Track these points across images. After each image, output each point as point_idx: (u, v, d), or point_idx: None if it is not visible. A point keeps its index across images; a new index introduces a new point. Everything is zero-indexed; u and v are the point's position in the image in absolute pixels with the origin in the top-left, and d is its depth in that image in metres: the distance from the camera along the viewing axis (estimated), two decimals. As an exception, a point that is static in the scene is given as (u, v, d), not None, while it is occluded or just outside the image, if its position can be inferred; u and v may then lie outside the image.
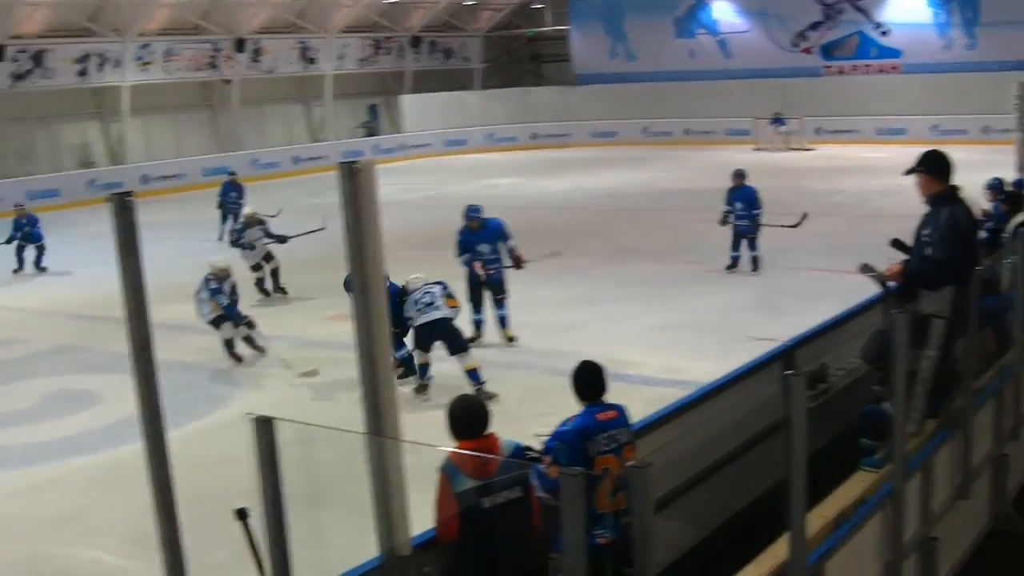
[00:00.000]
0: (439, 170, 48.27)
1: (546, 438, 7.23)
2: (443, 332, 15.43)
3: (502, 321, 17.52)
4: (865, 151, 45.17)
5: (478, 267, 17.64)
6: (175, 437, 5.21)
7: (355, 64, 55.06)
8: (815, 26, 51.61)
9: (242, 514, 5.41)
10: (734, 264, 21.56)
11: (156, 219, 29.48)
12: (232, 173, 32.66)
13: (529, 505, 6.57)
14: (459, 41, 60.10)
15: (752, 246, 21.38)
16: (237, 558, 5.68)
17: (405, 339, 15.77)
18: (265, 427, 5.15)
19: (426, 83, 57.77)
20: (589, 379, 7.36)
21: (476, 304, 17.84)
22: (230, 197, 30.49)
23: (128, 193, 4.89)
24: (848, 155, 44.52)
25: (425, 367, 15.53)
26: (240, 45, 48.73)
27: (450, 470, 6.47)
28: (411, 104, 56.60)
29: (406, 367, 15.58)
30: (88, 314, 21.33)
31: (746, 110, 49.92)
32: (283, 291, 22.90)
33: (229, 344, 17.86)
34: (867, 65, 50.87)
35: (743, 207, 21.54)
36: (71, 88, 44.10)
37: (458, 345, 15.47)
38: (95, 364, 17.91)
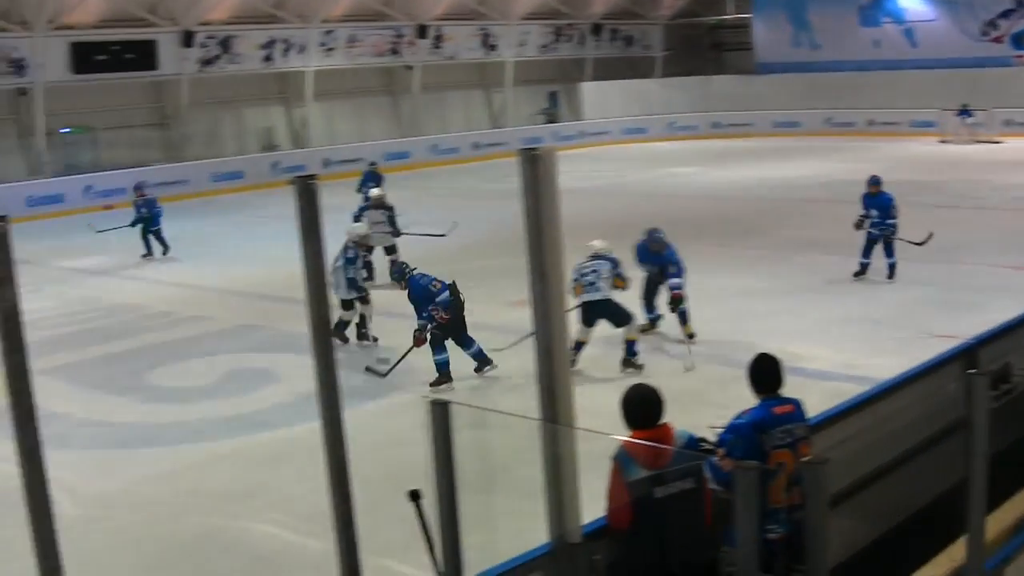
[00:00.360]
0: (618, 158, 48.22)
1: (720, 430, 7.18)
2: (603, 312, 15.79)
3: (683, 317, 17.17)
4: (1057, 145, 43.98)
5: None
6: (351, 417, 5.26)
7: (536, 51, 55.25)
8: (1006, 14, 50.30)
9: (415, 496, 5.46)
10: (863, 271, 20.61)
11: (337, 202, 29.88)
12: (373, 163, 32.93)
13: (701, 497, 6.51)
14: (640, 29, 59.91)
15: (888, 252, 20.46)
16: (408, 539, 5.74)
17: (446, 341, 15.86)
18: (441, 410, 5.19)
19: (606, 71, 57.73)
20: (766, 372, 7.29)
21: (649, 305, 17.78)
22: (368, 186, 30.74)
23: (311, 176, 4.95)
24: (1039, 149, 43.37)
25: (581, 344, 15.67)
26: (422, 31, 49.21)
27: (623, 459, 6.44)
28: (591, 91, 56.61)
29: (441, 374, 15.60)
30: (267, 294, 21.75)
31: (932, 101, 48.84)
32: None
33: (343, 325, 17.71)
34: (1061, 55, 49.50)
35: (878, 214, 20.46)
36: (256, 73, 45.08)
37: (620, 319, 15.86)
38: (274, 343, 18.25)
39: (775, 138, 52.79)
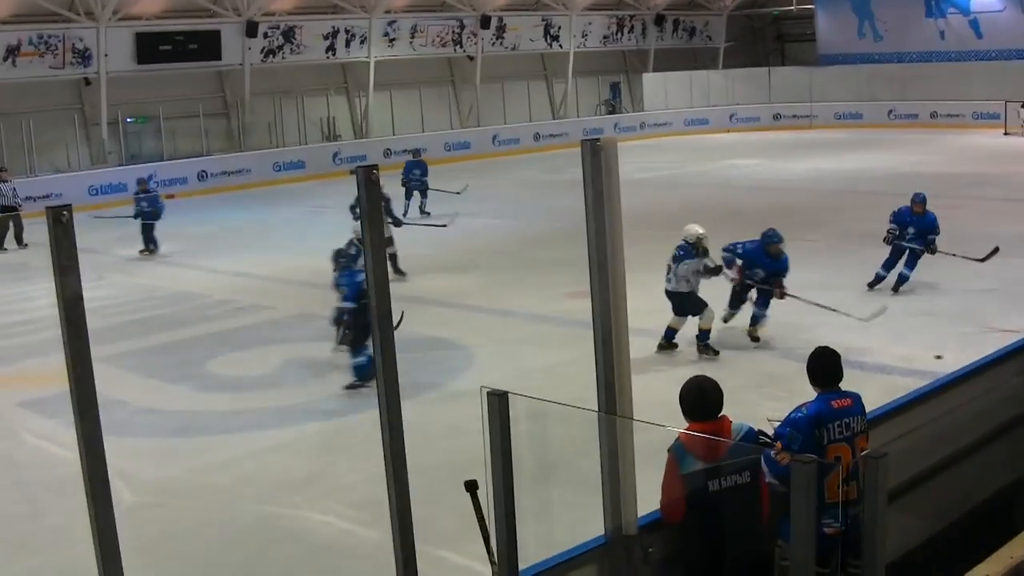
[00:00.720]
0: (680, 149, 48.10)
1: (778, 423, 7.16)
2: (677, 303, 16.15)
3: (755, 319, 16.91)
4: (1123, 138, 43.49)
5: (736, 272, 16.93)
6: (409, 407, 5.29)
7: (598, 42, 55.20)
8: (1075, 6, 49.79)
9: (472, 486, 5.49)
10: (878, 281, 19.53)
11: (398, 192, 29.99)
12: (416, 151, 32.95)
13: (757, 491, 6.50)
14: (703, 20, 59.71)
15: (911, 265, 19.42)
16: (464, 529, 5.77)
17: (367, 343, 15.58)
18: (499, 401, 5.20)
19: (668, 62, 57.57)
20: (825, 365, 7.26)
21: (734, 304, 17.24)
22: (413, 175, 30.81)
23: (373, 166, 4.98)
24: (1104, 143, 42.90)
25: (672, 331, 16.22)
26: (485, 22, 49.24)
27: (679, 451, 6.45)
28: (653, 83, 56.45)
29: (360, 376, 15.35)
30: (327, 283, 21.80)
31: (996, 93, 48.34)
32: (401, 273, 22.15)
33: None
34: None
35: (915, 232, 19.26)
36: (319, 63, 45.28)
37: (694, 309, 16.11)
38: (332, 332, 18.33)
39: (837, 130, 52.45)
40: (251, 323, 19.66)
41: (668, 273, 16.10)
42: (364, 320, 15.48)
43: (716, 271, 16.30)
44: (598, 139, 5.54)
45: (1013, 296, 18.31)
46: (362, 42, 45.66)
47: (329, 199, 33.49)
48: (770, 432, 7.13)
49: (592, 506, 5.92)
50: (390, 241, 22.18)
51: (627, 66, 58.11)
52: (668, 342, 16.28)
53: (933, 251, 19.18)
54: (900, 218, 19.45)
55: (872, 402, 7.94)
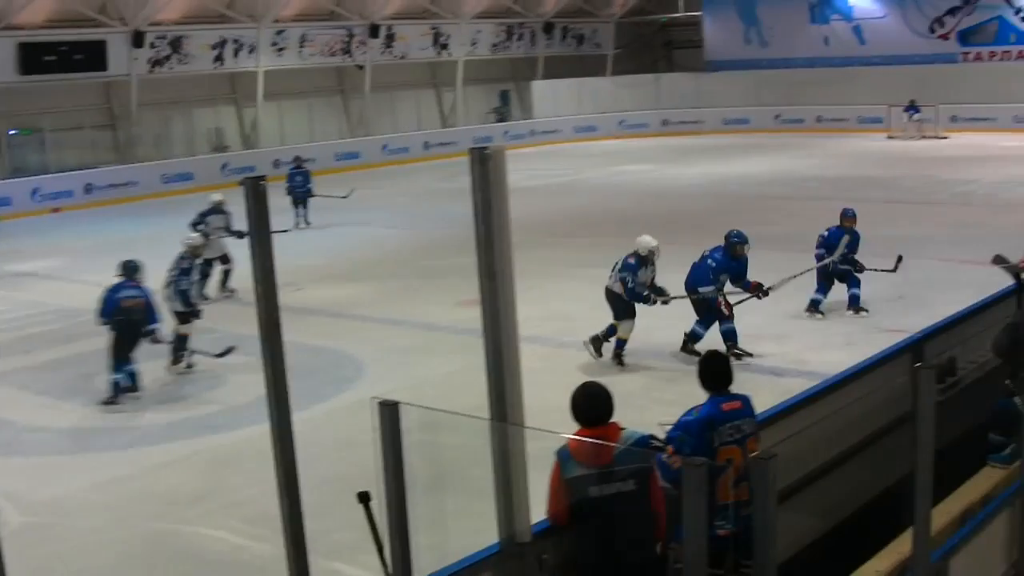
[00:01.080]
0: (569, 156, 48.28)
1: (669, 427, 7.22)
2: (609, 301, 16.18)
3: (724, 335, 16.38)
4: (1002, 140, 44.37)
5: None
6: (300, 419, 5.26)
7: (487, 50, 55.25)
8: (952, 11, 50.73)
9: (364, 498, 5.47)
10: (815, 306, 18.61)
11: (287, 203, 29.82)
12: (297, 158, 32.73)
13: (642, 499, 6.47)
14: (591, 27, 60.01)
15: (854, 283, 18.68)
16: (358, 540, 5.75)
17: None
18: (391, 411, 5.19)
19: (558, 69, 57.77)
20: (715, 369, 7.34)
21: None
22: (296, 182, 30.64)
23: (261, 177, 4.96)
24: (984, 144, 43.70)
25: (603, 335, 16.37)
26: (374, 31, 49.10)
27: (563, 455, 6.44)
28: (542, 90, 56.62)
29: (116, 390, 15.57)
30: (216, 296, 21.64)
31: (880, 97, 49.22)
32: (231, 291, 21.92)
33: (183, 343, 17.11)
34: (1006, 51, 49.89)
35: (848, 250, 18.64)
36: (207, 74, 44.84)
37: (621, 314, 16.16)
38: (223, 345, 18.18)
39: (725, 135, 53.04)
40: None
41: (612, 271, 16.22)
42: (124, 336, 15.44)
43: (665, 302, 16.26)
44: (486, 147, 5.55)
45: (899, 297, 18.59)
46: (250, 52, 45.31)
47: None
48: (662, 436, 7.18)
49: (486, 514, 5.92)
50: (226, 258, 22.04)
51: (516, 74, 58.22)
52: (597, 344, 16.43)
53: (860, 269, 18.63)
54: (829, 241, 18.75)
55: (762, 404, 8.03)
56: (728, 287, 16.50)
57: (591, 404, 6.55)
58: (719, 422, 7.06)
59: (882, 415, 8.98)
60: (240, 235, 21.61)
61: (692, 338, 16.35)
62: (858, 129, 50.26)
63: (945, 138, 46.37)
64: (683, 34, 60.89)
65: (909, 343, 10.48)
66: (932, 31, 51.45)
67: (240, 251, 21.84)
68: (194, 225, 22.13)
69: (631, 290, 15.90)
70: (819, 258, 18.66)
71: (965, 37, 50.83)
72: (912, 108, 47.07)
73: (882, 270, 18.48)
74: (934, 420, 5.72)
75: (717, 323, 16.28)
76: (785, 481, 7.25)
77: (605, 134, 55.10)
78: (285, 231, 22.43)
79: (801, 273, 17.18)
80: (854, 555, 6.54)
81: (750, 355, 15.96)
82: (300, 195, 30.46)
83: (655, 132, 55.15)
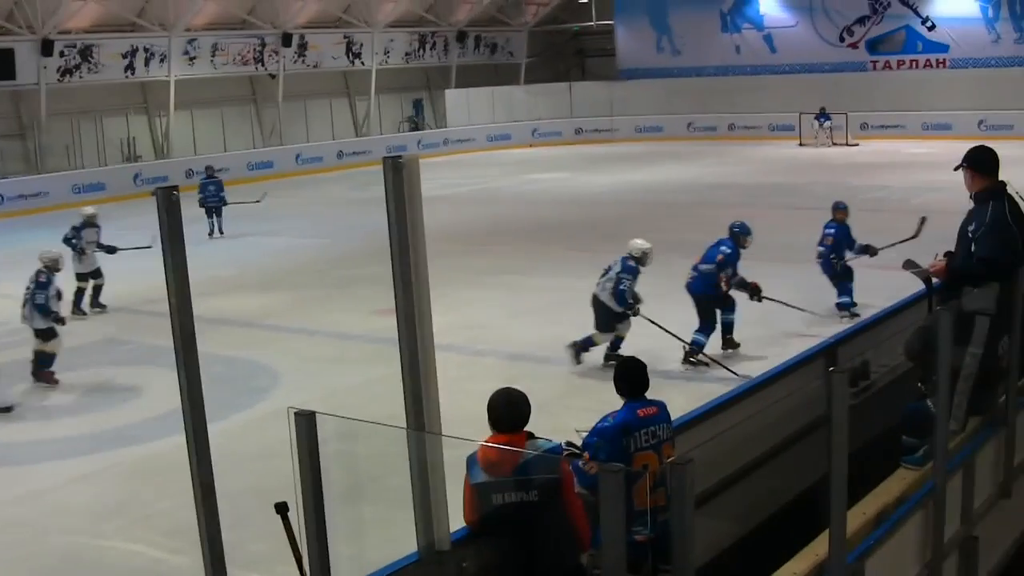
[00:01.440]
0: (483, 165, 48.32)
1: (585, 434, 7.23)
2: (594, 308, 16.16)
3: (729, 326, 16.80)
4: (911, 147, 44.94)
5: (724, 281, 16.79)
6: (216, 430, 5.23)
7: (400, 59, 55.19)
8: (862, 21, 51.41)
9: (282, 508, 5.44)
10: (848, 309, 18.35)
11: (200, 213, 29.61)
12: (209, 167, 32.61)
13: (549, 511, 6.43)
14: (504, 36, 60.13)
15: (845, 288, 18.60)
16: (277, 552, 5.71)
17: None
18: (307, 421, 5.16)
19: (471, 78, 57.80)
20: (631, 375, 7.35)
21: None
22: (209, 192, 30.50)
23: (173, 187, 4.93)
24: (893, 151, 44.31)
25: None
26: (286, 40, 48.86)
27: (470, 461, 6.42)
28: (456, 99, 56.63)
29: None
30: (131, 307, 21.45)
31: (791, 105, 49.79)
32: (102, 307, 21.93)
33: (48, 360, 16.82)
34: (914, 60, 50.63)
35: (844, 244, 18.74)
36: (118, 83, 44.38)
37: (603, 326, 16.19)
38: (137, 357, 18.04)
39: (638, 143, 53.31)
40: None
41: (602, 278, 16.22)
42: None
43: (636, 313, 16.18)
44: (400, 156, 5.55)
45: (812, 302, 18.73)
46: (162, 61, 44.92)
47: (130, 221, 32.89)
48: (579, 443, 7.19)
49: (405, 523, 5.91)
50: (97, 272, 21.81)
51: (430, 83, 58.22)
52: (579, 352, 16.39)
53: (874, 252, 18.83)
54: (839, 238, 18.79)
55: (678, 409, 8.07)
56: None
57: (502, 410, 6.52)
58: (635, 428, 7.07)
59: (797, 419, 9.06)
60: (110, 250, 21.43)
61: (696, 348, 16.33)
62: (770, 137, 50.78)
63: (856, 145, 46.96)
64: (596, 43, 61.15)
65: (823, 348, 10.58)
66: (842, 40, 52.10)
67: (109, 266, 21.68)
68: (68, 240, 21.81)
69: (622, 292, 15.92)
70: (823, 256, 18.66)
71: (874, 46, 51.51)
72: (823, 116, 47.66)
73: (904, 240, 17.99)
74: (848, 423, 5.78)
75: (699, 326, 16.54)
76: (703, 485, 7.29)
77: (519, 142, 55.23)
78: (148, 247, 21.98)
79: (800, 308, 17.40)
80: (772, 558, 6.57)
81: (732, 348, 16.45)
82: (213, 204, 30.35)
83: (569, 140, 55.34)
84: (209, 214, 30.20)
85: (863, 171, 38.49)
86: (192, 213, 30.13)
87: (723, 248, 16.62)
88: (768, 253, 20.90)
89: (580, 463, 6.80)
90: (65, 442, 14.42)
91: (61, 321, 16.83)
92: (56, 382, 16.59)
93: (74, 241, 21.65)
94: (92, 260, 21.70)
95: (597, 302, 16.08)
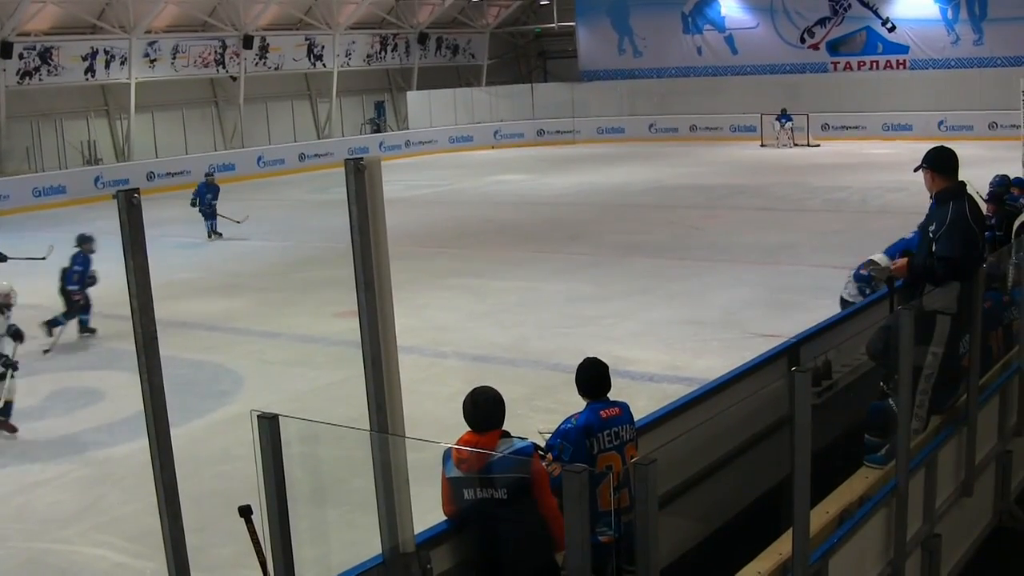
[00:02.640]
0: (445, 167, 48.29)
1: (549, 435, 7.23)
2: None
3: None
4: (871, 147, 45.21)
5: None
6: (179, 434, 5.20)
7: (361, 61, 55.10)
8: (822, 22, 51.62)
9: (246, 511, 5.42)
10: None
11: (161, 216, 29.52)
12: (209, 173, 32.49)
13: (519, 508, 6.48)
14: (465, 38, 60.11)
15: None
16: (241, 555, 5.70)
17: None
18: (270, 424, 5.15)
19: (433, 80, 57.79)
20: (593, 376, 7.36)
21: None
22: (206, 199, 30.47)
23: (134, 190, 4.90)
24: (854, 151, 44.53)
25: None
26: (247, 42, 48.70)
27: (445, 455, 6.57)
28: (417, 101, 56.58)
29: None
30: (92, 311, 21.32)
31: (752, 106, 50.07)
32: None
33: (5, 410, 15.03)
34: (874, 61, 50.87)
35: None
36: (78, 85, 44.13)
37: None
38: (99, 361, 17.94)
39: (600, 144, 53.42)
40: (15, 354, 19.02)
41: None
42: None
43: None
44: (361, 158, 5.53)
45: (774, 302, 18.83)
46: (122, 63, 44.68)
47: (91, 224, 32.73)
48: (543, 444, 7.20)
49: (369, 526, 5.89)
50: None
51: (391, 84, 58.15)
52: None
53: None
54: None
55: (641, 410, 8.08)
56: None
57: (470, 410, 6.62)
58: (598, 429, 7.08)
59: (760, 419, 9.07)
60: (3, 258, 21.09)
61: None
62: (731, 138, 50.99)
63: (817, 146, 47.16)
64: (557, 44, 61.21)
65: (785, 347, 10.61)
66: (803, 41, 52.30)
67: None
68: None
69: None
70: None
71: (834, 47, 51.72)
72: (784, 117, 47.88)
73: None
74: (811, 422, 5.80)
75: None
76: (666, 486, 7.30)
77: (481, 144, 55.24)
78: (43, 259, 21.51)
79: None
80: (736, 557, 6.59)
81: None
82: (209, 212, 30.60)
83: (530, 142, 55.40)
84: (207, 218, 30.52)
85: (824, 172, 38.66)
86: (166, 216, 30.09)
87: None
88: (730, 254, 21.02)
89: (544, 464, 6.80)
90: (26, 446, 14.31)
91: (12, 366, 15.14)
92: (14, 430, 14.96)
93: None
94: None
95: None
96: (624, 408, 7.29)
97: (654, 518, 4.77)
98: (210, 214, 30.62)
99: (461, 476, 6.50)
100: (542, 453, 7.03)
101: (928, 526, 8.02)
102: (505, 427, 6.70)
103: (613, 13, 57.04)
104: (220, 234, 30.46)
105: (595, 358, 7.48)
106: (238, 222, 29.90)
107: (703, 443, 8.51)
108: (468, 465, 6.51)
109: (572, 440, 7.00)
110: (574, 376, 7.42)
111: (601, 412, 7.15)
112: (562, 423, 7.17)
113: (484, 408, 6.64)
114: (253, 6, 48.03)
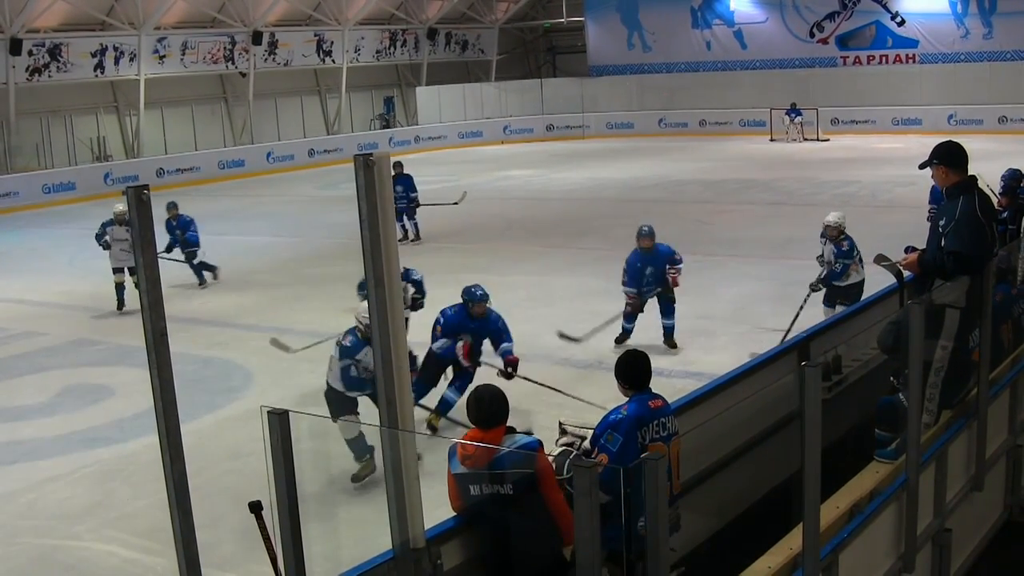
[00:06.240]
0: (454, 162, 48.23)
1: (570, 426, 7.23)
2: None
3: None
4: (881, 141, 45.17)
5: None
6: (189, 430, 5.22)
7: (371, 56, 55.06)
8: (831, 16, 51.51)
9: (256, 507, 5.43)
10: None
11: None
12: (399, 164, 26.68)
13: (525, 504, 6.49)
14: (475, 33, 60.06)
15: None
16: (251, 551, 5.70)
17: None
18: (280, 420, 5.15)
19: (442, 75, 57.76)
20: (637, 368, 7.30)
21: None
22: (397, 192, 26.61)
23: (144, 186, 4.89)
24: (864, 146, 44.47)
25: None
26: (256, 38, 48.70)
27: (451, 451, 6.65)
28: (426, 96, 56.53)
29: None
30: (102, 307, 21.35)
31: (762, 101, 50.02)
32: None
33: None
34: (883, 55, 50.77)
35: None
36: (87, 82, 44.14)
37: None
38: (108, 357, 17.96)
39: (609, 139, 53.38)
40: (25, 351, 19.04)
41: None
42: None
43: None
44: (371, 154, 5.52)
45: (783, 297, 18.77)
46: (131, 59, 44.69)
47: (101, 221, 32.80)
48: (569, 437, 7.20)
49: (379, 521, 5.90)
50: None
51: (401, 80, 58.14)
52: None
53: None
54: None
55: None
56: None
57: (479, 407, 6.65)
58: (648, 420, 7.04)
59: (770, 414, 9.07)
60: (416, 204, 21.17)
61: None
62: (741, 132, 50.94)
63: (826, 140, 47.12)
64: (566, 39, 61.15)
65: (795, 342, 10.59)
66: (812, 35, 52.19)
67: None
68: (98, 237, 21.83)
69: None
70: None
71: (844, 41, 51.63)
72: (793, 111, 47.77)
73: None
74: (821, 417, 5.79)
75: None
76: (677, 480, 7.30)
77: (490, 139, 55.21)
78: (454, 203, 20.86)
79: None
80: (747, 552, 6.59)
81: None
82: (403, 207, 26.72)
83: (540, 137, 55.36)
84: (399, 216, 26.22)
85: (833, 166, 38.59)
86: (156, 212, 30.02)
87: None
88: (739, 248, 20.98)
89: (593, 458, 6.78)
90: (37, 443, 14.33)
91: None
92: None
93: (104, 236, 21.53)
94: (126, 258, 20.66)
95: None
96: (665, 400, 7.28)
97: (663, 513, 4.77)
98: (405, 210, 27.08)
99: (466, 472, 6.55)
100: (569, 447, 7.04)
101: (939, 521, 8.01)
102: (515, 422, 6.72)
103: (622, 8, 56.94)
104: (420, 239, 27.43)
105: (636, 350, 7.49)
106: (455, 203, 28.44)
107: (713, 438, 8.52)
108: (473, 461, 6.55)
109: (623, 431, 6.93)
110: (582, 371, 7.42)
111: (649, 403, 7.12)
112: (608, 414, 7.11)
113: (488, 405, 6.68)
114: (262, 2, 48.02)
